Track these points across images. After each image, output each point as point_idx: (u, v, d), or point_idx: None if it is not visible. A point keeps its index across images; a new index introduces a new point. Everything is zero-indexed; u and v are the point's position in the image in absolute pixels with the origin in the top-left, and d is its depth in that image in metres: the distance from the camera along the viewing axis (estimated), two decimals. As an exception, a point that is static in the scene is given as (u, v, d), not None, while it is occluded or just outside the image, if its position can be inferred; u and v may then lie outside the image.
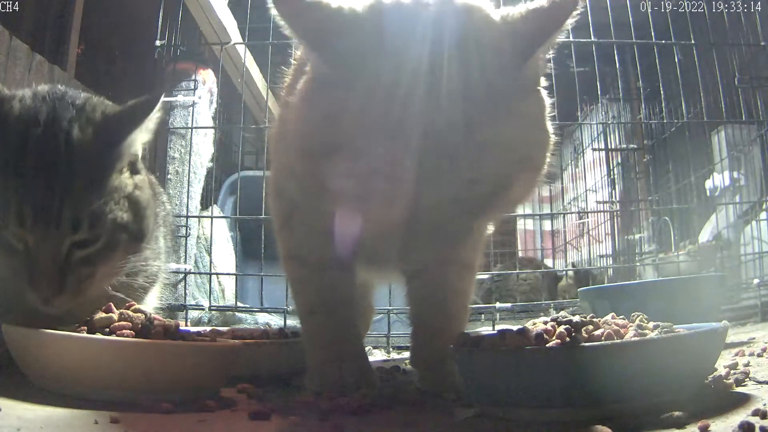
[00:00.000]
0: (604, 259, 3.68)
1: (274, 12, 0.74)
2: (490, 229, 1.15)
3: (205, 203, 2.47)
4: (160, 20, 2.06)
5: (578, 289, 1.59)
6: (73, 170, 0.80)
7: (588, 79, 2.49)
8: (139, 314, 0.82)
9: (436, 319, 1.03)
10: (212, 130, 2.39)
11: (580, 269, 3.35)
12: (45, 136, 0.81)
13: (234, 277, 2.56)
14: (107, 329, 0.78)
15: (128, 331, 0.78)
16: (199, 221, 2.36)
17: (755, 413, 0.61)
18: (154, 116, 0.89)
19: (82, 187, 0.80)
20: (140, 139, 0.90)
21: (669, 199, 3.29)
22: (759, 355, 1.07)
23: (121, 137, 0.86)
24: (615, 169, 3.82)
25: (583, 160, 4.03)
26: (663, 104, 2.44)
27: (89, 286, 0.83)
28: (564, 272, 3.41)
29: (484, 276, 2.75)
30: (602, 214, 3.80)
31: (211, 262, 2.32)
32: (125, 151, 0.88)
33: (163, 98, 0.91)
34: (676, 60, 2.20)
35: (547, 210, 4.90)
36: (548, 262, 4.23)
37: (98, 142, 0.84)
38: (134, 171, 0.91)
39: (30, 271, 0.79)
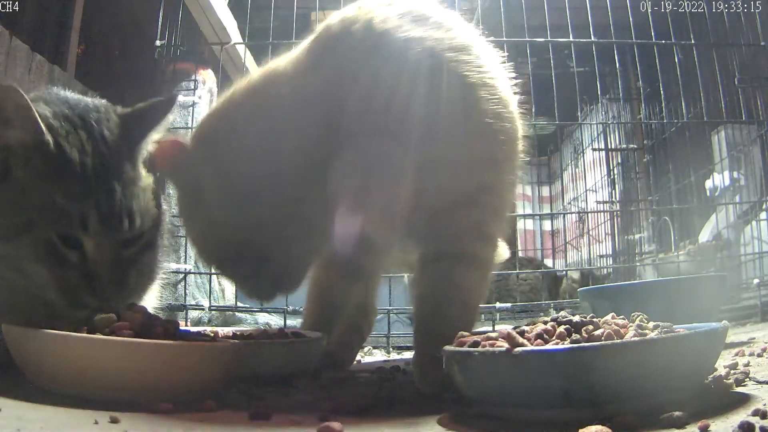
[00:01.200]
0: (604, 259, 3.68)
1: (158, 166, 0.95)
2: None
3: (205, 203, 2.47)
4: (160, 20, 2.06)
5: (578, 289, 1.59)
6: (115, 169, 0.81)
7: (588, 79, 2.49)
8: (139, 314, 0.82)
9: (433, 318, 0.98)
10: (212, 130, 2.38)
11: (583, 271, 3.34)
12: (84, 138, 0.81)
13: (234, 277, 2.55)
14: (107, 329, 0.78)
15: (128, 331, 0.78)
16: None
17: (755, 413, 0.61)
18: (170, 117, 0.91)
19: (126, 185, 0.82)
20: (155, 137, 0.91)
21: (669, 199, 3.29)
22: (759, 355, 1.07)
23: (142, 135, 0.88)
24: (615, 169, 3.83)
25: (583, 160, 4.03)
26: (663, 104, 2.44)
27: (137, 284, 0.86)
28: (564, 273, 3.41)
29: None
30: (602, 214, 3.80)
31: (211, 262, 2.31)
32: (144, 149, 0.89)
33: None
34: (676, 60, 2.20)
35: (547, 210, 4.91)
36: (548, 262, 4.24)
37: (124, 140, 0.85)
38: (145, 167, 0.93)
39: (92, 275, 0.79)
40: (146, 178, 0.89)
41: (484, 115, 0.95)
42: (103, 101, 0.91)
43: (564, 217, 3.13)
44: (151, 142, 0.91)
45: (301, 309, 1.96)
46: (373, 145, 0.87)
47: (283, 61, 0.97)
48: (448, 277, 0.96)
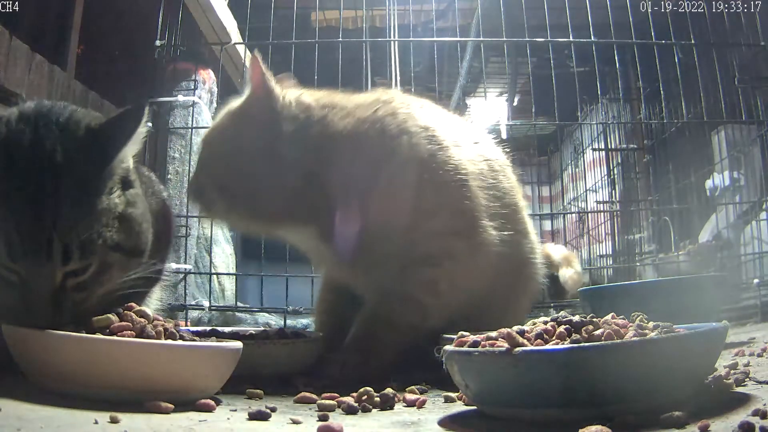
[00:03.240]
0: (604, 259, 3.68)
1: None
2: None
3: (205, 203, 2.47)
4: (160, 20, 2.05)
5: (578, 289, 1.59)
6: (59, 197, 0.77)
7: (588, 79, 2.49)
8: (140, 315, 0.82)
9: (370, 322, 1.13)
10: (212, 130, 2.38)
11: (590, 275, 3.32)
12: (29, 161, 0.77)
13: (234, 277, 2.56)
14: (107, 330, 0.78)
15: (129, 332, 0.78)
16: (199, 221, 2.36)
17: (755, 413, 0.61)
18: (143, 128, 0.86)
19: (70, 214, 0.77)
20: (131, 152, 0.87)
21: (669, 199, 3.29)
22: (759, 355, 1.07)
23: (109, 156, 0.83)
24: (615, 169, 3.82)
25: (583, 160, 4.03)
26: (663, 104, 2.44)
27: (85, 308, 0.81)
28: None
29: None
30: (602, 214, 3.80)
31: (211, 262, 2.32)
32: (116, 169, 0.84)
33: (161, 99, 0.89)
34: (676, 60, 2.20)
35: (547, 210, 4.91)
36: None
37: (84, 163, 0.80)
38: (126, 185, 0.87)
39: (26, 302, 0.77)
40: (116, 199, 0.83)
41: None
42: (80, 113, 0.86)
43: (564, 217, 3.12)
44: (126, 158, 0.86)
45: (301, 309, 1.97)
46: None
47: None
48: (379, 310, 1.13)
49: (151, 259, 0.91)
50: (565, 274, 1.55)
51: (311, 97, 1.19)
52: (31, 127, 0.80)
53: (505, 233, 1.22)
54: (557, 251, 1.64)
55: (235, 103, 1.20)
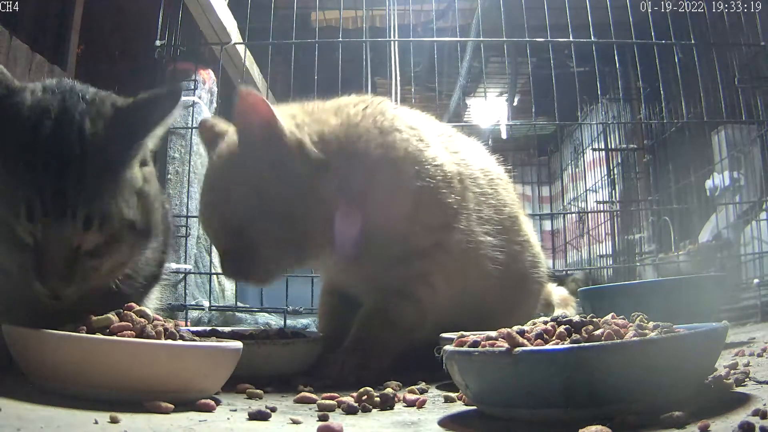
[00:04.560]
0: (604, 259, 3.68)
1: None
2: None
3: (205, 203, 2.47)
4: (160, 20, 2.05)
5: (578, 289, 1.59)
6: (85, 164, 0.79)
7: (588, 79, 2.49)
8: (140, 315, 0.82)
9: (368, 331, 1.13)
10: (212, 130, 2.38)
11: (589, 276, 3.33)
12: (57, 128, 0.79)
13: (234, 277, 2.55)
14: (107, 330, 0.78)
15: (129, 332, 0.78)
16: (198, 221, 2.35)
17: (755, 413, 0.61)
18: (176, 112, 0.88)
19: (94, 181, 0.80)
20: (159, 132, 0.89)
21: (669, 199, 3.29)
22: (759, 355, 1.07)
23: (140, 134, 0.85)
24: (615, 169, 3.82)
25: (583, 160, 4.03)
26: (663, 104, 2.44)
27: (94, 280, 0.83)
28: (564, 272, 3.40)
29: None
30: (602, 214, 3.80)
31: (211, 262, 2.32)
32: (143, 147, 0.87)
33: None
34: (676, 60, 2.20)
35: (547, 210, 4.91)
36: (548, 262, 4.22)
37: (112, 136, 0.82)
38: (143, 163, 0.90)
39: (38, 262, 0.78)
40: (137, 174, 0.86)
41: None
42: (104, 93, 0.88)
43: (564, 217, 3.13)
44: (153, 138, 0.88)
45: (301, 309, 1.97)
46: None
47: None
48: (378, 308, 1.14)
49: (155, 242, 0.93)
50: None
51: (299, 116, 1.15)
52: (59, 98, 0.82)
53: (502, 239, 1.23)
54: (557, 292, 1.69)
55: (228, 148, 1.13)
